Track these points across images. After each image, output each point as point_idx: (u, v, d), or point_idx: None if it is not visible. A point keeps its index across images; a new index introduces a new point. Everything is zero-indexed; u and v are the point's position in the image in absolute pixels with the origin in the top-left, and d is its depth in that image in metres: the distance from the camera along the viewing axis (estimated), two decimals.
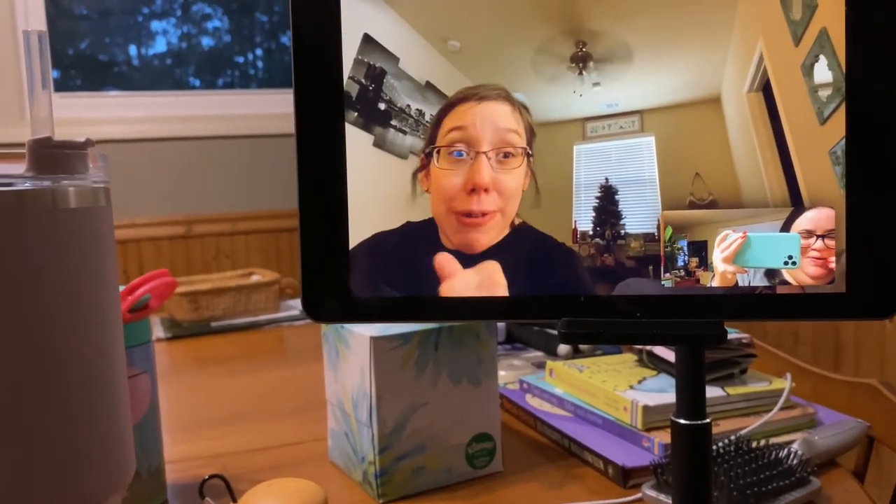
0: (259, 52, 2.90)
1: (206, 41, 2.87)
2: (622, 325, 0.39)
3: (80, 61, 2.61)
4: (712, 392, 0.76)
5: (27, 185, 0.41)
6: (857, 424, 0.75)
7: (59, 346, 0.42)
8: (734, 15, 0.37)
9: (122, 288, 0.66)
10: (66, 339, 0.42)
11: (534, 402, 0.86)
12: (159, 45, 2.78)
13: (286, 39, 2.86)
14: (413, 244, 0.40)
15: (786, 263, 0.40)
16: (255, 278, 1.53)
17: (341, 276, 0.39)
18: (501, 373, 0.97)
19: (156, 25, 2.79)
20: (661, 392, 0.76)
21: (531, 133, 0.40)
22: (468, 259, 0.40)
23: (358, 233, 0.40)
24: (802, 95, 0.37)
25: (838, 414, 0.79)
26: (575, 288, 0.39)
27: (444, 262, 0.40)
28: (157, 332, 1.38)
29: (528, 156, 0.40)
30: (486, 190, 0.40)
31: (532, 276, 0.40)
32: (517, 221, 0.40)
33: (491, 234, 0.41)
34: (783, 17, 0.37)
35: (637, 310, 0.39)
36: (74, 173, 0.44)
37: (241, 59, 2.86)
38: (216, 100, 2.66)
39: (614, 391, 0.76)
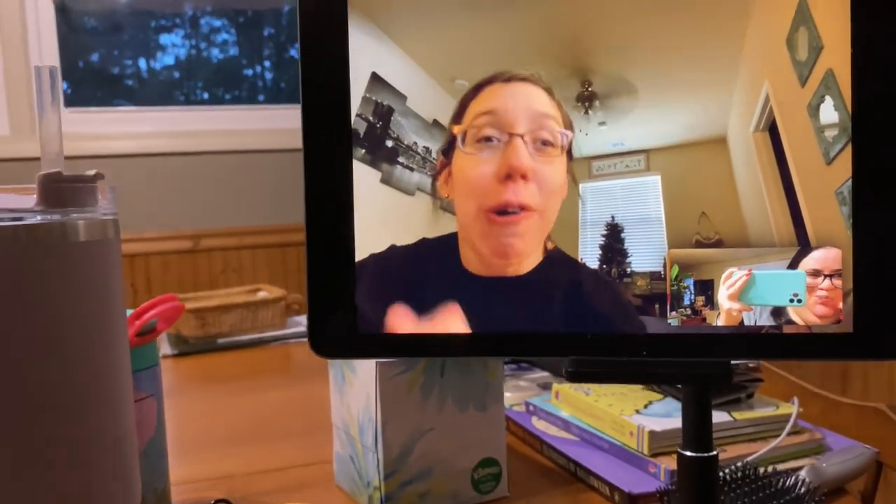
0: (267, 64, 2.92)
1: (215, 54, 2.89)
2: (628, 364, 0.39)
3: (90, 74, 2.64)
4: (718, 417, 0.76)
5: (37, 219, 0.42)
6: (866, 451, 0.74)
7: (68, 377, 0.42)
8: (740, 56, 0.38)
9: (130, 312, 0.67)
10: (75, 371, 0.43)
11: (539, 425, 0.86)
12: (168, 59, 2.80)
13: (294, 52, 2.88)
14: (427, 269, 0.38)
15: (791, 301, 0.40)
16: (261, 294, 1.53)
17: (348, 316, 0.39)
18: (507, 394, 0.97)
19: (164, 39, 2.81)
20: (668, 417, 0.76)
21: (570, 128, 0.36)
22: (426, 306, 0.37)
23: (365, 268, 0.40)
24: (809, 135, 0.38)
25: (846, 439, 0.79)
26: (620, 320, 0.38)
27: (399, 311, 0.37)
28: (164, 348, 1.38)
29: (570, 154, 0.36)
30: (524, 176, 0.35)
31: (551, 309, 0.39)
32: (550, 246, 0.37)
33: (528, 238, 0.36)
34: (789, 58, 0.37)
35: (643, 349, 0.39)
36: (84, 206, 0.45)
37: (249, 73, 2.88)
38: (224, 115, 2.67)
39: (620, 415, 0.76)
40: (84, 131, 2.44)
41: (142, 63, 2.75)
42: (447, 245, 0.36)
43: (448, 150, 0.36)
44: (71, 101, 2.51)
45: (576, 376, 0.39)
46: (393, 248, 0.38)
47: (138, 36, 2.73)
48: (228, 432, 0.93)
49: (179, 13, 2.77)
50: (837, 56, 0.37)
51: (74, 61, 2.58)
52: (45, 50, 2.40)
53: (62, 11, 2.50)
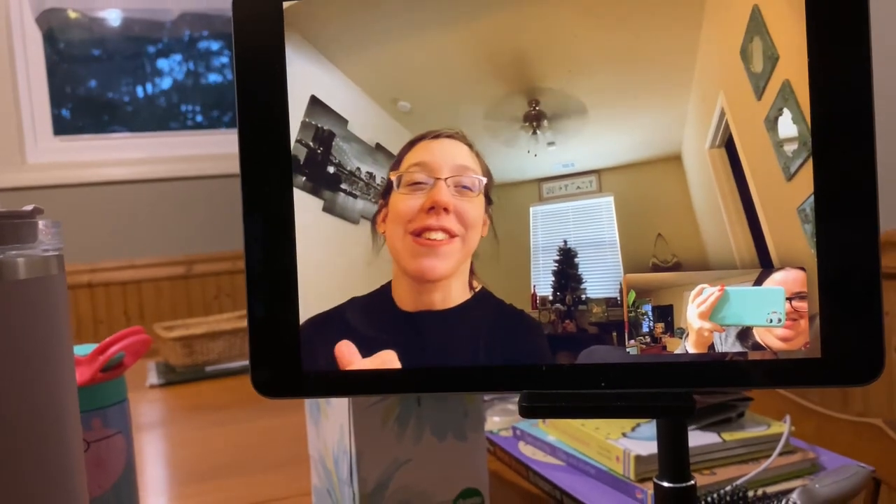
0: None
1: (213, 77, 2.89)
2: (586, 396, 0.37)
3: (85, 101, 2.64)
4: (707, 438, 0.74)
5: None
6: (860, 470, 0.72)
7: (7, 418, 0.40)
8: (693, 69, 0.36)
9: (94, 347, 0.65)
10: (14, 412, 0.41)
11: (526, 451, 0.83)
12: (165, 83, 2.81)
13: None
14: (364, 316, 0.38)
15: (770, 321, 0.37)
16: None
17: (291, 350, 0.38)
18: (495, 419, 0.95)
19: (162, 63, 2.81)
20: (656, 440, 0.73)
21: (489, 178, 0.39)
22: (382, 340, 0.39)
23: (309, 304, 0.38)
24: (767, 151, 0.36)
25: (841, 457, 0.76)
26: (535, 357, 0.37)
27: (345, 349, 0.38)
28: (152, 378, 1.36)
29: (488, 199, 0.39)
30: (445, 209, 0.39)
31: (492, 344, 0.38)
32: (477, 286, 0.39)
33: (449, 261, 0.39)
34: (743, 70, 0.35)
35: (601, 380, 0.37)
36: (23, 243, 0.43)
37: None
38: (219, 139, 2.67)
39: (606, 440, 0.74)
40: (78, 159, 2.43)
41: (138, 90, 2.75)
42: (381, 294, 0.40)
43: (386, 192, 0.40)
44: (64, 129, 2.51)
45: (531, 412, 0.36)
46: (353, 300, 0.40)
47: (134, 61, 2.73)
48: (208, 466, 0.91)
49: (178, 37, 2.78)
50: (794, 66, 0.35)
51: (66, 89, 2.58)
52: (34, 79, 2.40)
53: (51, 40, 2.50)
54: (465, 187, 0.39)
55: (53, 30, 2.49)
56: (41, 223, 0.45)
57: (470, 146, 0.39)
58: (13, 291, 0.41)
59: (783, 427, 0.75)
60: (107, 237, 2.35)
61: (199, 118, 2.83)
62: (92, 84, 2.67)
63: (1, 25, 2.29)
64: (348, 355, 0.39)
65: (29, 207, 0.43)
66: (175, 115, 2.79)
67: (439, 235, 0.39)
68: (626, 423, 0.78)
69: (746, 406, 0.78)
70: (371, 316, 0.39)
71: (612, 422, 0.78)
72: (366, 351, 0.39)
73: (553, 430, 0.83)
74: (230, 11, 0.38)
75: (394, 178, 0.40)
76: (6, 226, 0.42)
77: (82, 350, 0.65)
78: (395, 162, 0.40)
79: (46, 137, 2.42)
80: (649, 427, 0.77)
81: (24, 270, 0.42)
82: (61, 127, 2.50)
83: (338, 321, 0.39)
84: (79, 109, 2.61)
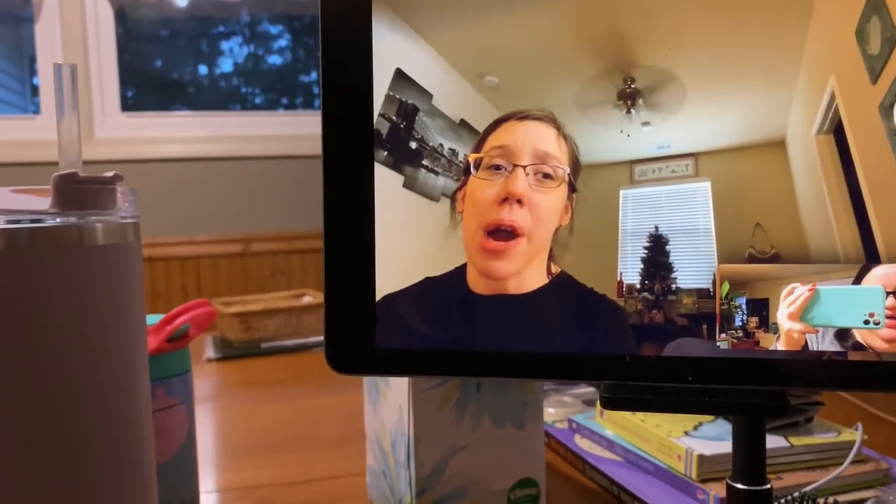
0: None
1: (273, 59, 2.92)
2: (671, 390, 0.35)
3: (151, 80, 2.69)
4: (774, 442, 0.71)
5: (54, 222, 0.41)
6: None
7: (84, 383, 0.41)
8: (802, 49, 0.34)
9: (160, 317, 0.66)
10: (91, 375, 0.41)
11: (582, 444, 0.82)
12: (226, 65, 2.84)
13: None
14: (440, 294, 0.37)
15: (867, 323, 0.35)
16: (306, 300, 1.52)
17: (367, 327, 0.37)
18: (550, 410, 0.93)
19: (224, 45, 2.85)
20: (719, 440, 0.71)
21: (576, 165, 0.37)
22: (455, 322, 0.38)
23: (385, 281, 0.38)
24: (880, 138, 0.33)
25: None
26: (620, 347, 0.36)
27: None
28: (209, 352, 1.38)
29: (572, 188, 0.37)
30: (519, 202, 0.38)
31: (573, 332, 0.36)
32: (556, 270, 0.37)
33: (514, 262, 0.38)
34: (858, 52, 0.33)
35: (688, 373, 0.35)
36: (102, 209, 0.43)
37: (305, 79, 2.90)
38: (279, 120, 2.69)
39: (668, 437, 0.72)
40: (140, 136, 2.48)
41: (202, 69, 2.80)
42: (456, 276, 0.39)
43: (467, 171, 0.39)
44: (130, 107, 2.57)
45: (612, 403, 0.35)
46: (427, 280, 0.39)
47: (198, 42, 2.78)
48: (264, 440, 0.92)
49: (238, 19, 2.81)
50: None
51: (135, 67, 2.64)
52: (104, 56, 2.45)
53: (121, 19, 2.56)
54: (546, 176, 0.38)
55: (125, 8, 2.54)
56: (119, 190, 0.45)
57: (559, 129, 0.37)
58: (92, 256, 0.41)
59: (854, 435, 0.72)
60: (167, 212, 2.40)
61: (258, 100, 2.86)
62: (158, 63, 2.72)
63: (75, 2, 2.35)
64: (418, 335, 0.38)
65: (109, 174, 0.44)
66: (236, 97, 2.83)
67: (507, 238, 0.38)
68: (689, 421, 0.76)
69: (817, 411, 0.75)
70: (445, 298, 0.38)
71: (673, 419, 0.76)
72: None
73: (611, 425, 0.81)
74: None
75: (472, 160, 0.39)
76: (87, 191, 0.42)
77: (150, 320, 0.66)
78: (479, 142, 0.38)
79: (114, 113, 2.47)
80: (712, 426, 0.75)
81: (103, 236, 0.42)
82: (127, 104, 2.56)
83: (412, 300, 0.38)
84: (145, 87, 2.67)
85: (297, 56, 2.91)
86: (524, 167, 0.38)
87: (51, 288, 0.39)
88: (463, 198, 0.39)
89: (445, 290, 0.38)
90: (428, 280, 0.39)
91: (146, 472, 0.45)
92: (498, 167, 0.38)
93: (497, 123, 0.38)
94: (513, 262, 0.38)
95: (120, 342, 0.43)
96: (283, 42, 2.94)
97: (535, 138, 0.38)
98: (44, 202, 0.41)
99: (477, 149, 0.39)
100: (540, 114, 0.38)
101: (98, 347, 0.41)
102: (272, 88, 2.87)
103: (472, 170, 0.39)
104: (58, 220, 0.41)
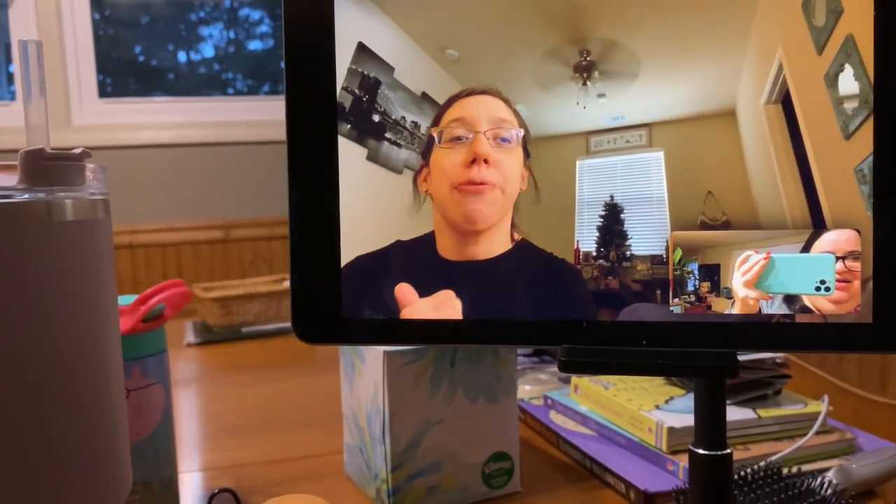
0: None
1: (254, 45, 2.90)
2: (627, 353, 0.36)
3: (130, 67, 2.67)
4: (743, 414, 0.73)
5: (21, 198, 0.41)
6: None
7: (54, 360, 0.41)
8: (751, 21, 0.35)
9: (135, 297, 0.66)
10: (61, 353, 0.42)
11: (557, 419, 0.83)
12: (207, 51, 2.82)
13: None
14: (408, 261, 0.38)
15: (818, 289, 0.36)
16: (286, 284, 1.53)
17: (331, 296, 0.38)
18: (526, 387, 0.95)
19: (203, 31, 2.83)
20: (689, 413, 0.72)
21: (527, 132, 0.39)
22: (427, 287, 0.39)
23: (350, 251, 0.38)
24: (826, 108, 0.34)
25: (880, 440, 0.75)
26: (577, 312, 0.37)
27: (405, 290, 0.38)
28: (189, 336, 1.38)
29: (526, 152, 0.39)
30: (486, 161, 0.40)
31: (533, 297, 0.37)
32: (517, 237, 0.38)
33: (493, 208, 0.40)
34: (805, 24, 0.34)
35: (643, 337, 0.36)
36: (71, 185, 0.43)
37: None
38: (258, 105, 2.68)
39: (639, 411, 0.73)
40: (119, 122, 2.46)
41: (181, 56, 2.77)
42: (425, 241, 0.41)
43: (426, 151, 0.40)
44: (108, 93, 2.54)
45: (570, 366, 0.36)
46: (398, 242, 0.40)
47: (176, 27, 2.75)
48: (243, 421, 0.93)
49: (219, 4, 2.79)
50: (858, 21, 0.34)
51: (112, 54, 2.61)
52: (80, 42, 2.43)
53: (98, 4, 2.53)
54: (504, 140, 0.39)
55: None
56: (88, 167, 0.45)
57: (506, 101, 0.39)
58: (61, 232, 0.42)
59: (820, 406, 0.74)
60: (147, 199, 2.39)
61: (239, 85, 2.85)
62: (136, 49, 2.70)
63: None
64: (408, 295, 0.39)
65: (77, 150, 0.44)
66: (216, 83, 2.81)
67: (481, 184, 0.40)
68: (660, 396, 0.77)
69: (784, 383, 0.77)
70: (416, 260, 0.40)
71: (644, 393, 0.78)
72: (423, 291, 0.39)
73: (585, 401, 0.83)
74: None
75: (435, 133, 0.40)
76: (55, 167, 0.43)
77: (124, 300, 0.66)
78: (435, 119, 0.40)
79: (91, 100, 2.45)
80: (683, 400, 0.76)
81: (72, 212, 0.43)
82: (105, 90, 2.54)
83: (383, 264, 0.39)
84: (123, 74, 2.64)
85: (279, 41, 2.90)
86: (484, 132, 0.40)
87: (19, 263, 0.40)
88: (426, 178, 0.40)
89: (415, 255, 0.40)
90: (399, 243, 0.40)
91: (120, 450, 0.46)
92: (459, 137, 0.40)
93: (449, 103, 0.40)
94: (490, 208, 0.39)
95: (90, 318, 0.43)
96: (264, 28, 2.92)
97: (488, 108, 0.39)
98: (12, 179, 0.42)
99: (436, 123, 0.40)
100: (484, 88, 0.39)
101: (68, 324, 0.42)
102: (253, 74, 2.86)
103: (435, 141, 0.40)
104: (26, 195, 0.41)
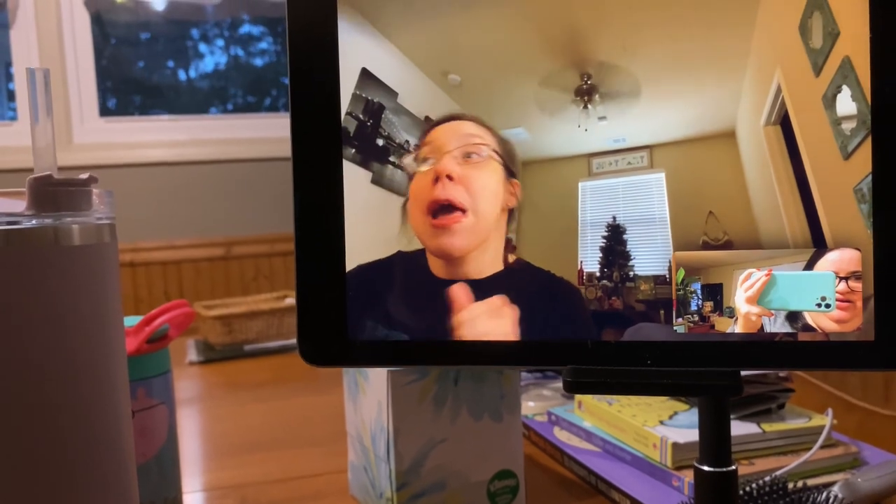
0: None
1: (255, 62, 2.91)
2: (632, 373, 0.36)
3: (130, 84, 2.68)
4: (747, 428, 0.73)
5: (30, 224, 0.41)
6: None
7: (63, 383, 0.41)
8: (749, 44, 0.35)
9: (140, 319, 0.66)
10: (70, 377, 0.42)
11: (561, 436, 0.83)
12: (207, 66, 2.84)
13: None
14: (406, 278, 0.39)
15: (819, 306, 0.37)
16: (288, 301, 1.53)
17: (337, 319, 0.38)
18: (530, 404, 0.95)
19: (204, 48, 2.85)
20: (693, 428, 0.72)
21: (504, 144, 0.39)
22: (482, 291, 0.39)
23: (355, 263, 0.39)
24: (824, 129, 0.35)
25: (885, 453, 0.75)
26: (581, 332, 0.37)
27: (460, 291, 0.39)
28: (191, 355, 1.38)
29: (509, 173, 0.39)
30: (448, 177, 0.40)
31: (534, 319, 0.38)
32: (512, 258, 0.39)
33: (463, 237, 0.40)
34: (802, 46, 0.35)
35: (647, 357, 0.37)
36: (78, 210, 0.44)
37: (286, 80, 2.90)
38: (258, 122, 2.69)
39: (643, 427, 0.73)
40: (120, 140, 2.47)
41: (181, 74, 2.79)
42: (422, 255, 0.41)
43: (410, 181, 0.41)
44: (109, 112, 2.56)
45: (576, 387, 0.36)
46: (399, 253, 0.40)
47: (177, 45, 2.77)
48: (247, 440, 0.92)
49: (220, 22, 2.80)
50: (855, 43, 0.34)
51: (113, 72, 2.63)
52: (81, 60, 2.44)
53: (98, 23, 2.55)
54: (469, 155, 0.40)
55: (101, 12, 2.54)
56: (95, 192, 0.46)
57: (478, 122, 0.40)
58: (68, 257, 0.42)
59: (825, 420, 0.74)
60: (148, 217, 2.40)
61: (240, 101, 2.86)
62: (138, 66, 2.71)
63: (50, 7, 2.34)
64: (463, 297, 0.39)
65: (84, 175, 0.44)
66: (217, 100, 2.82)
67: (449, 212, 0.40)
68: (664, 411, 0.77)
69: (787, 397, 0.77)
70: (413, 276, 0.40)
71: (649, 409, 0.78)
72: (480, 294, 0.39)
73: (589, 417, 0.83)
74: None
75: (414, 161, 0.41)
76: (62, 192, 0.43)
77: (129, 321, 0.66)
78: (415, 148, 0.41)
79: (92, 118, 2.46)
80: (687, 415, 0.76)
81: (79, 237, 0.43)
82: (106, 108, 2.55)
83: (384, 273, 0.40)
84: (124, 92, 2.66)
85: (280, 58, 2.92)
86: (451, 152, 0.40)
87: (27, 289, 0.40)
88: (408, 208, 0.41)
89: (414, 268, 0.40)
90: (401, 254, 0.40)
91: (127, 471, 0.46)
92: (426, 159, 0.40)
93: (431, 128, 0.41)
94: (462, 237, 0.39)
95: (98, 342, 0.43)
96: (264, 44, 2.94)
97: (457, 129, 0.40)
98: (20, 205, 0.42)
99: (416, 150, 0.41)
100: (467, 114, 0.40)
101: (75, 348, 0.42)
102: (254, 91, 2.87)
103: (416, 169, 0.41)
104: (33, 221, 0.42)
